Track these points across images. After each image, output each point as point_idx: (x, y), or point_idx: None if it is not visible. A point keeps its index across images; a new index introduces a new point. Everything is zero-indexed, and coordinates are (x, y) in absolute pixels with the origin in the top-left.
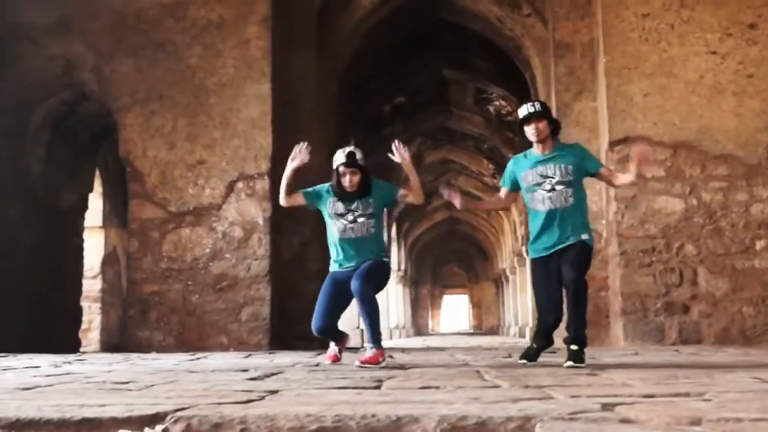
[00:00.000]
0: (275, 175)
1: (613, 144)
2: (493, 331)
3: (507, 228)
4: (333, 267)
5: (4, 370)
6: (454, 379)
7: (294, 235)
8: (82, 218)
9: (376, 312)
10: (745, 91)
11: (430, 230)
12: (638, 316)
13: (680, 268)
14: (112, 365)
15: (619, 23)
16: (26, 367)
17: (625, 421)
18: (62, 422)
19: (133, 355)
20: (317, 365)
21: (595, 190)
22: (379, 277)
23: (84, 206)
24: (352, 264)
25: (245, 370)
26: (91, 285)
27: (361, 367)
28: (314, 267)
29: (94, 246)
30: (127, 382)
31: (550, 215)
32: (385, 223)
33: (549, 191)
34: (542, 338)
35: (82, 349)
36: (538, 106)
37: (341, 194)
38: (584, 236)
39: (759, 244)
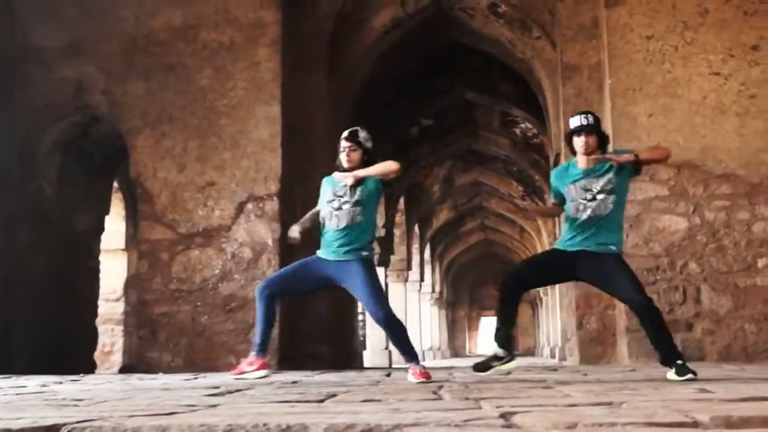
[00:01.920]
0: (285, 196)
1: None
2: (530, 352)
3: (540, 249)
4: (318, 253)
5: None
6: (405, 393)
7: (303, 255)
8: (98, 240)
9: (404, 332)
10: (747, 111)
11: (466, 252)
12: (642, 334)
13: (684, 286)
14: (99, 385)
15: (624, 45)
16: (10, 387)
17: (507, 426)
18: None
19: (134, 376)
20: (295, 382)
21: None
22: (377, 285)
23: (100, 228)
24: (332, 257)
25: (216, 387)
26: (114, 308)
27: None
28: None
29: (116, 268)
30: (83, 399)
31: (588, 222)
32: (376, 211)
33: (590, 200)
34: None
35: (102, 371)
36: (591, 119)
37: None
38: (613, 247)
39: (761, 262)
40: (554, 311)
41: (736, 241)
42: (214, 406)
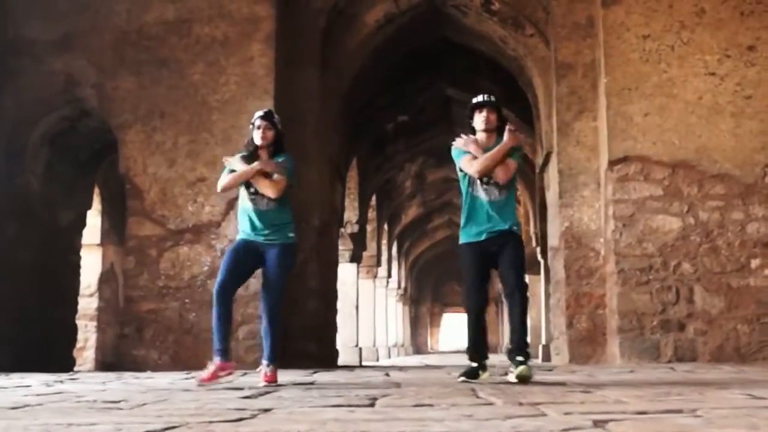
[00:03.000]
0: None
1: (612, 163)
2: (492, 349)
3: None
4: (241, 236)
5: None
6: (449, 396)
7: None
8: (80, 236)
9: (279, 330)
10: (743, 112)
11: (431, 249)
12: (635, 334)
13: (677, 286)
14: (105, 384)
15: (620, 44)
16: (17, 387)
17: None
18: None
19: (127, 374)
20: (312, 383)
21: (593, 209)
22: (288, 271)
23: (82, 224)
24: (260, 238)
25: (240, 389)
26: (88, 303)
27: (266, 385)
28: (313, 284)
29: (91, 264)
30: (119, 401)
31: (487, 205)
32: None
33: (487, 183)
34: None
35: (76, 368)
36: (492, 97)
37: (253, 152)
38: (515, 228)
39: (754, 263)
40: None
41: (730, 241)
42: (268, 410)
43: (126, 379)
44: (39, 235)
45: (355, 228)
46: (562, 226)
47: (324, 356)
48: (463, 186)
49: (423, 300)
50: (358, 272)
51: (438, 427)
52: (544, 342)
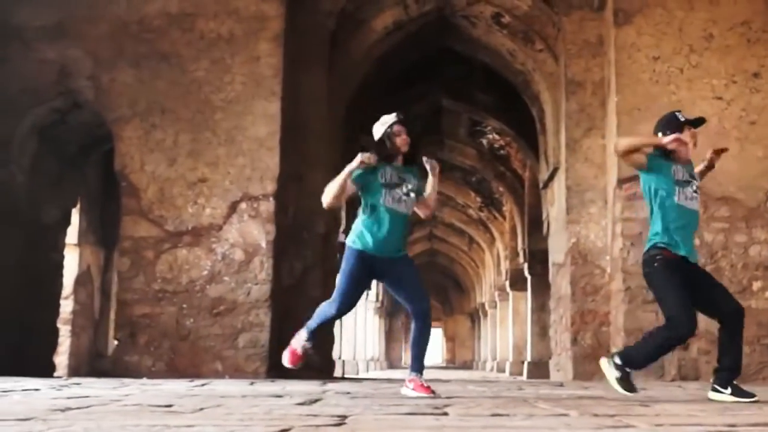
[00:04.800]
0: (281, 196)
1: (621, 182)
2: (467, 365)
3: (490, 262)
4: (362, 245)
5: (5, 392)
6: (515, 407)
7: (296, 259)
8: (64, 234)
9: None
10: (747, 137)
11: None
12: None
13: None
14: (118, 390)
15: (631, 64)
16: (24, 390)
17: None
18: None
19: (128, 380)
20: (348, 393)
21: (600, 227)
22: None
23: (66, 221)
24: (387, 249)
25: (279, 396)
26: (63, 306)
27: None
28: (315, 293)
29: (67, 265)
30: (170, 405)
31: (693, 215)
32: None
33: (694, 192)
34: None
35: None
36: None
37: (393, 155)
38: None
39: (756, 285)
40: (503, 325)
41: (733, 263)
42: (345, 416)
43: (135, 386)
44: (22, 231)
45: (342, 237)
46: (569, 243)
47: (324, 366)
48: None
49: (397, 313)
50: None
51: None
52: (529, 359)
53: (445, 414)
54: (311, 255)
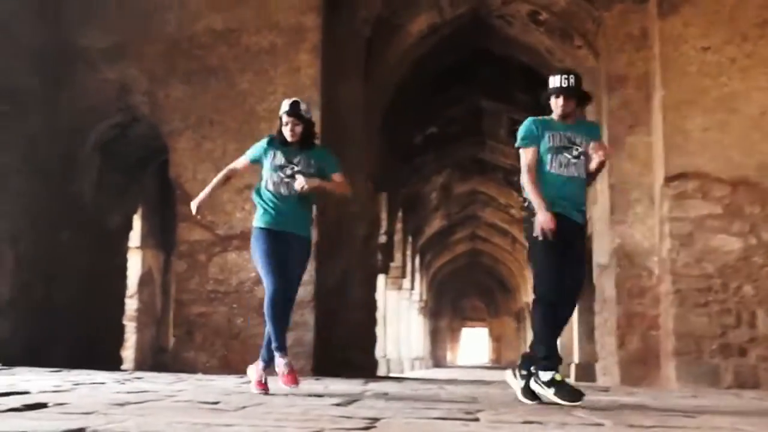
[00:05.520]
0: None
1: (668, 180)
2: (513, 365)
3: None
4: (263, 224)
5: (76, 384)
6: (550, 415)
7: (337, 261)
8: (127, 239)
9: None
10: None
11: (452, 262)
12: (692, 358)
13: (738, 309)
14: (174, 385)
15: (677, 57)
16: (92, 383)
17: None
18: None
19: (184, 376)
20: (386, 394)
21: (646, 227)
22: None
23: (128, 227)
24: (285, 228)
25: (320, 396)
26: (127, 305)
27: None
28: (357, 294)
29: (131, 266)
30: (216, 403)
31: (572, 181)
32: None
33: (575, 158)
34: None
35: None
36: (572, 80)
37: (282, 142)
38: (584, 211)
39: None
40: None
41: None
42: (377, 419)
43: (189, 381)
44: (90, 238)
45: (384, 239)
46: (614, 243)
47: (367, 365)
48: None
49: (442, 314)
50: (385, 283)
51: None
52: (576, 361)
53: (476, 420)
54: (352, 257)
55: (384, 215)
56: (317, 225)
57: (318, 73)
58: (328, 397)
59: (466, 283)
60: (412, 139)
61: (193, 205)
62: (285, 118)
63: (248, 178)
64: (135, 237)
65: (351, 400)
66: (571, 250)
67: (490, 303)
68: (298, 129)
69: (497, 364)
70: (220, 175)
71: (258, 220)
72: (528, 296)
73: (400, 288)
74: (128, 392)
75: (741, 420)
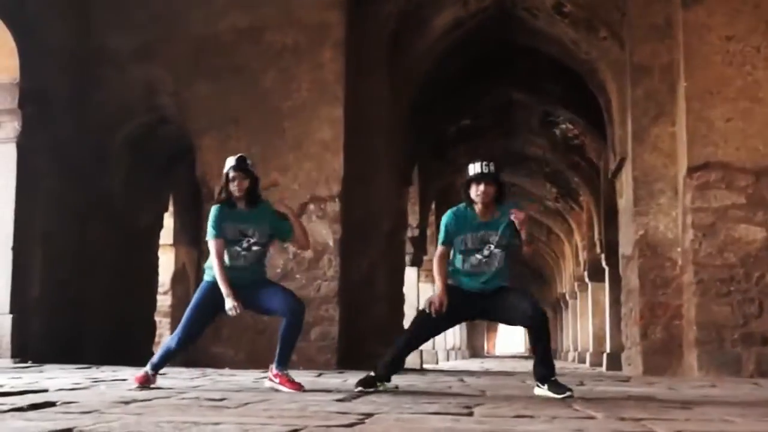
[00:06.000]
0: (347, 197)
1: (692, 170)
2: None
3: (568, 253)
4: (211, 277)
5: (96, 382)
6: (544, 408)
7: (362, 257)
8: (157, 236)
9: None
10: None
11: None
12: (714, 347)
13: (760, 299)
14: (194, 380)
15: (701, 46)
16: (114, 380)
17: None
18: None
19: (209, 371)
20: (396, 387)
21: (670, 218)
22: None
23: (159, 225)
24: (243, 279)
25: (328, 391)
26: (162, 300)
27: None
28: (382, 289)
29: (165, 263)
30: (221, 400)
31: (481, 274)
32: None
33: (486, 256)
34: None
35: None
36: (492, 167)
37: (228, 203)
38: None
39: None
40: (584, 316)
41: None
42: (371, 415)
43: (211, 377)
44: (121, 236)
45: (416, 232)
46: (637, 235)
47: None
48: None
49: None
50: (418, 276)
51: None
52: (608, 350)
53: (470, 414)
54: (377, 252)
55: (416, 208)
56: (341, 221)
57: (342, 69)
58: (336, 393)
59: None
60: (445, 131)
61: (235, 304)
62: (232, 173)
63: (273, 175)
64: (168, 234)
65: (358, 394)
66: (501, 302)
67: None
68: (245, 184)
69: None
70: (220, 264)
71: (208, 274)
72: (564, 287)
73: (434, 281)
74: (142, 390)
75: (736, 411)
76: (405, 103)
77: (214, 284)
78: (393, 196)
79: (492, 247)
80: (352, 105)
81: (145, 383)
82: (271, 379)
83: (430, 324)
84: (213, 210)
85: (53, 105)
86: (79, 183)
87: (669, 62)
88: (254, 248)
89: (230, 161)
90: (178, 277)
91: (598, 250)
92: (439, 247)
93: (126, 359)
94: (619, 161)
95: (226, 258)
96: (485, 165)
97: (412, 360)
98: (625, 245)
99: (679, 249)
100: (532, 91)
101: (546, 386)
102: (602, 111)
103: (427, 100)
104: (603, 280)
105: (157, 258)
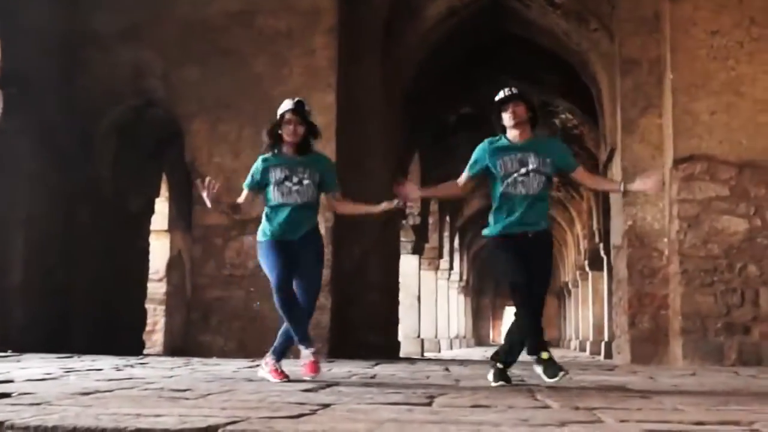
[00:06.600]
0: (339, 184)
1: (677, 162)
2: (553, 343)
3: (570, 242)
4: (266, 236)
5: (68, 372)
6: (506, 397)
7: (354, 245)
8: (149, 222)
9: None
10: None
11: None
12: (698, 336)
13: (742, 289)
14: (173, 370)
15: (687, 40)
16: (89, 370)
17: None
18: None
19: (195, 360)
20: (373, 377)
21: (657, 209)
22: (323, 263)
23: (150, 210)
24: (292, 238)
25: (301, 381)
26: (157, 288)
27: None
28: (374, 278)
29: (160, 249)
30: (185, 390)
31: (522, 199)
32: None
33: (524, 175)
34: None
35: (146, 351)
36: (515, 90)
37: (279, 147)
38: (544, 224)
39: None
40: (584, 304)
41: None
42: (328, 405)
43: (193, 366)
44: (110, 220)
45: (417, 220)
46: (625, 225)
47: (387, 347)
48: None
49: (485, 292)
50: (420, 264)
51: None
52: (606, 339)
53: (429, 404)
54: (370, 241)
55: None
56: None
57: (334, 55)
58: (310, 383)
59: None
60: (445, 120)
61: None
62: (288, 116)
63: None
64: (163, 220)
65: (327, 385)
66: (528, 260)
67: None
68: (301, 130)
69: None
70: (237, 200)
71: (261, 234)
72: (567, 275)
73: (437, 268)
74: (110, 380)
75: (694, 400)
76: (398, 92)
77: (268, 242)
78: (388, 183)
79: (530, 167)
80: (345, 92)
81: (283, 377)
82: (262, 366)
83: (511, 254)
84: (256, 162)
85: (36, 87)
86: (65, 167)
87: (657, 56)
88: (306, 182)
89: (287, 103)
90: (173, 264)
91: (596, 239)
92: (464, 172)
93: (115, 348)
94: (610, 151)
95: (276, 196)
96: (508, 89)
97: (412, 349)
98: (615, 235)
99: (665, 239)
100: (529, 81)
101: (541, 367)
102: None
103: (422, 89)
104: (602, 269)
105: (148, 244)
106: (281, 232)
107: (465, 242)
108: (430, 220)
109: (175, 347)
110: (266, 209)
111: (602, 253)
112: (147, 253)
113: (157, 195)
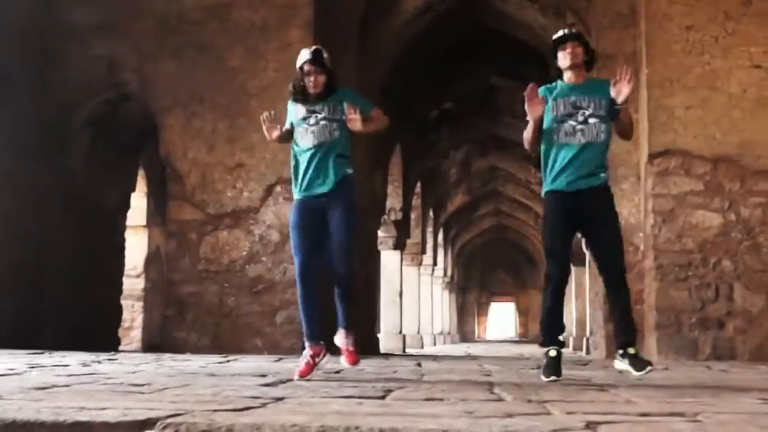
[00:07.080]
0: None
1: (652, 156)
2: (539, 339)
3: None
4: (295, 194)
5: (32, 368)
6: (463, 391)
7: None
8: (124, 217)
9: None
10: None
11: (478, 237)
12: (673, 331)
13: (716, 284)
14: (140, 366)
15: (662, 35)
16: (54, 366)
17: None
18: (55, 425)
19: (166, 356)
20: (338, 372)
21: (633, 203)
22: (353, 220)
23: (126, 205)
24: (321, 190)
25: (263, 375)
26: (135, 284)
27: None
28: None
29: (137, 245)
30: (143, 385)
31: (581, 149)
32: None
33: (582, 122)
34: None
35: (123, 347)
36: (574, 30)
37: (303, 96)
38: (603, 175)
39: None
40: (568, 300)
41: None
42: (281, 399)
43: (163, 361)
44: (83, 216)
45: (399, 215)
46: None
47: (364, 343)
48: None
49: (470, 288)
50: (401, 259)
51: (431, 424)
52: (588, 335)
53: (382, 398)
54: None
55: (399, 191)
56: None
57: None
58: (271, 377)
59: (493, 258)
60: (426, 115)
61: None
62: (307, 67)
63: (239, 156)
64: (141, 215)
65: (288, 379)
66: (590, 223)
67: (517, 277)
68: (321, 79)
69: (524, 337)
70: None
71: (294, 190)
72: None
73: (420, 264)
74: (71, 375)
75: (649, 393)
76: (375, 86)
77: (295, 207)
78: (365, 177)
79: (587, 113)
80: None
81: (310, 368)
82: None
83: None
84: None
85: (8, 80)
86: (37, 161)
87: (633, 51)
88: (322, 122)
89: (305, 54)
90: (151, 260)
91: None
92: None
93: (90, 345)
94: None
95: (297, 139)
96: (567, 28)
97: (394, 345)
98: None
99: (641, 234)
100: (511, 75)
101: (627, 360)
102: None
103: (400, 84)
104: (584, 264)
105: (123, 239)
106: (307, 184)
107: (449, 238)
108: (412, 216)
109: (153, 344)
110: (292, 161)
111: (584, 248)
112: (123, 249)
113: (133, 190)
